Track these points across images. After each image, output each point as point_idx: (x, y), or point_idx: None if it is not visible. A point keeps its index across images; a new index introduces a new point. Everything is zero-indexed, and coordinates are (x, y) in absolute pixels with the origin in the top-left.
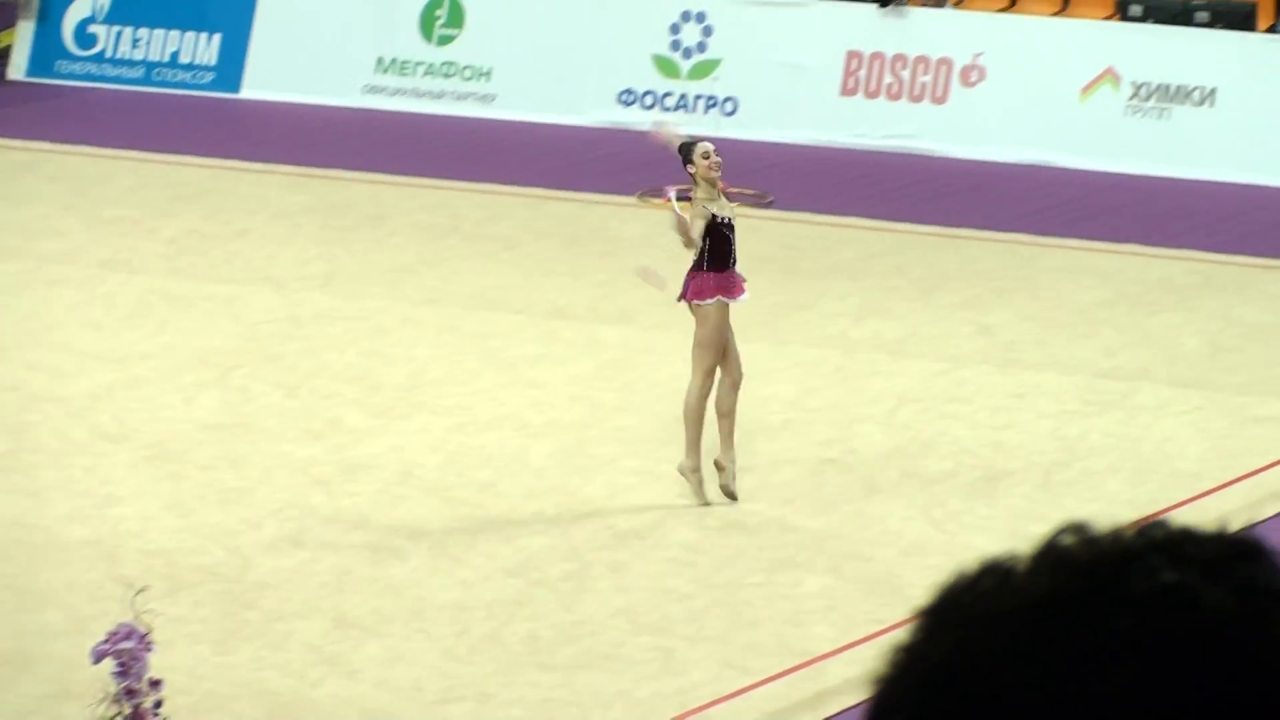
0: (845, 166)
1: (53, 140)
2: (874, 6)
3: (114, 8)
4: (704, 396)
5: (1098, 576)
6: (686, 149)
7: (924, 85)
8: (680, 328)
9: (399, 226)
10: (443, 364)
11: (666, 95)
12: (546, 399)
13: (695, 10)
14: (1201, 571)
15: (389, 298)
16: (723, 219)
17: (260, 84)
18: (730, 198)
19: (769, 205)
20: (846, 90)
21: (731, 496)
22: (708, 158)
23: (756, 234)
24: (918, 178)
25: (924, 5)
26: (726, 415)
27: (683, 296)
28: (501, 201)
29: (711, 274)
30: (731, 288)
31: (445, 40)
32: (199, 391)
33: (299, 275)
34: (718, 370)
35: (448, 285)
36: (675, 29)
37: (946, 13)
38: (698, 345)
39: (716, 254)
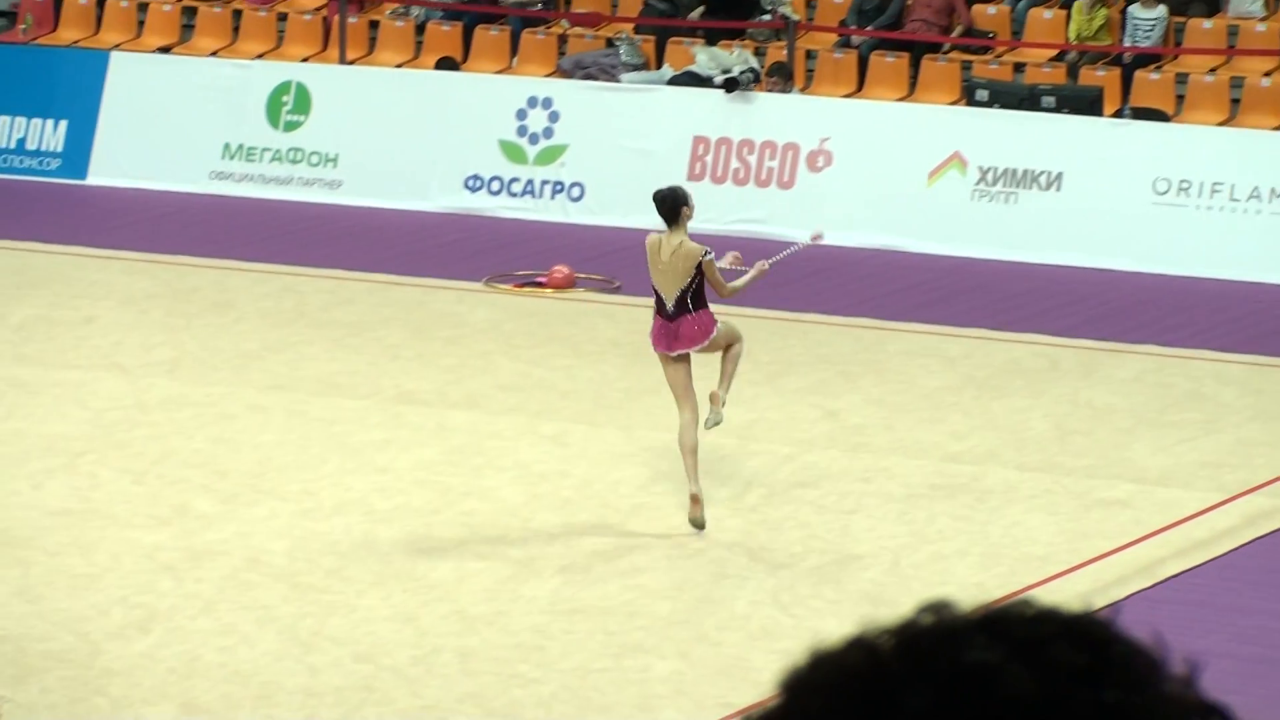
0: None
1: None
2: (720, 92)
3: None
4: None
5: (915, 653)
6: (685, 196)
7: (771, 170)
8: (526, 411)
9: (245, 312)
10: (289, 449)
11: (513, 181)
12: (393, 484)
13: (542, 96)
14: (1012, 651)
15: (235, 384)
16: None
17: (107, 171)
18: (578, 285)
19: (616, 290)
20: (694, 175)
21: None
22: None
23: (606, 319)
24: None
25: (770, 90)
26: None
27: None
28: (348, 287)
29: (657, 323)
30: (670, 342)
31: (292, 126)
32: (47, 478)
33: (146, 361)
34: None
35: (294, 371)
36: (522, 114)
37: (793, 98)
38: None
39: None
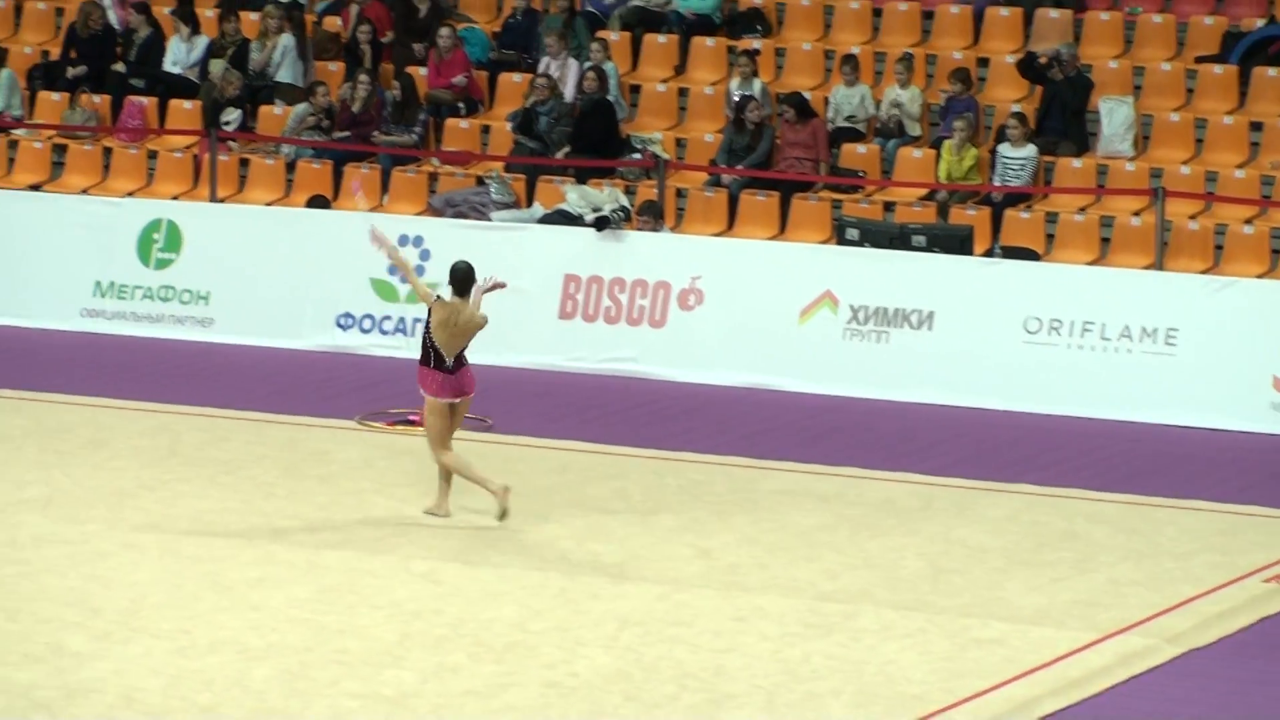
0: (565, 390)
1: None
2: (591, 230)
3: None
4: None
5: None
6: (472, 273)
7: (642, 308)
8: (399, 550)
9: (119, 450)
10: (163, 587)
11: (385, 318)
12: (267, 622)
13: (413, 234)
14: None
15: (109, 521)
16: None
17: None
18: None
19: (489, 429)
20: (565, 313)
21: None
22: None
23: (478, 457)
24: (637, 401)
25: (641, 229)
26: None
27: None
28: (221, 425)
29: (436, 376)
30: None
31: (163, 264)
32: None
33: (18, 499)
34: None
35: (168, 509)
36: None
37: (664, 236)
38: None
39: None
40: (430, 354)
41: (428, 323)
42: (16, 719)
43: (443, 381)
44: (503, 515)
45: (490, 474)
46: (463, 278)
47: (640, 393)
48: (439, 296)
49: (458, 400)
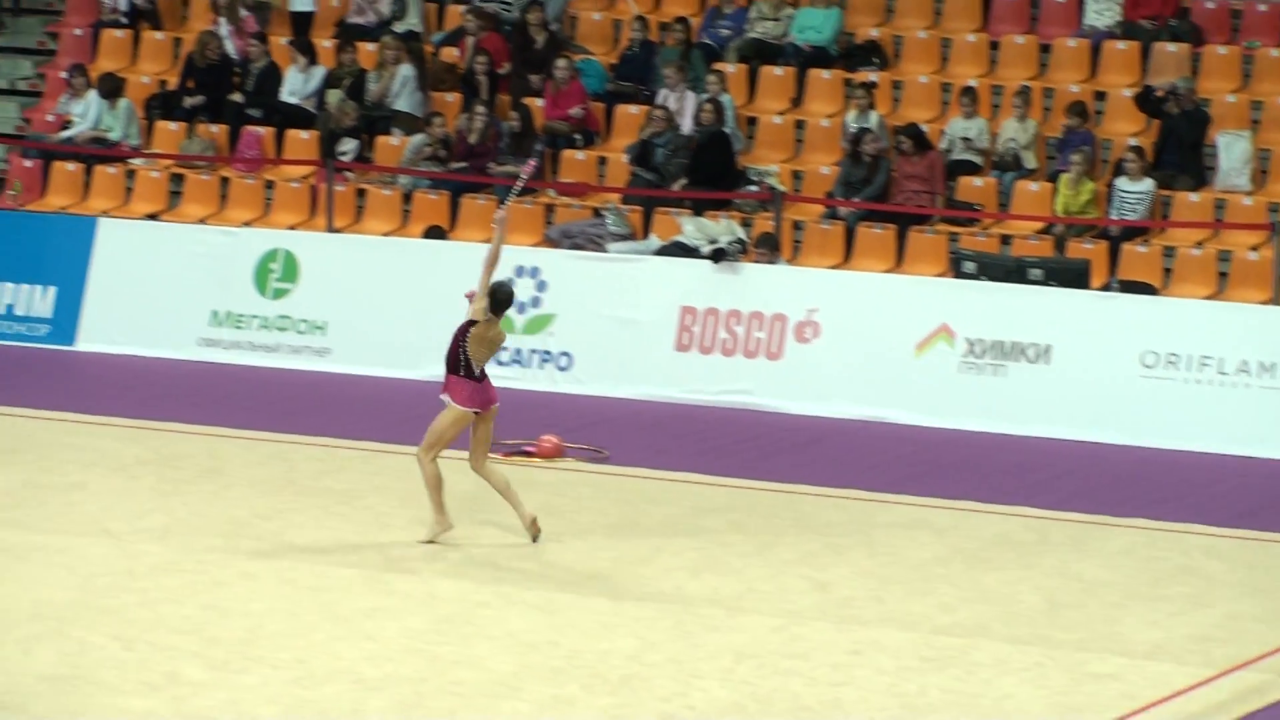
0: (680, 422)
1: None
2: (707, 262)
3: None
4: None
5: None
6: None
7: (758, 341)
8: (515, 580)
9: (235, 479)
10: (280, 617)
11: (502, 350)
12: (382, 652)
13: (529, 265)
14: None
15: (226, 550)
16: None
17: (96, 337)
18: (567, 454)
19: (604, 460)
20: (681, 345)
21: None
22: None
23: (593, 489)
24: (753, 433)
25: (757, 261)
26: (507, 492)
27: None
28: (338, 455)
29: (465, 386)
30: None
31: (280, 293)
32: (35, 643)
33: (136, 527)
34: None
35: (284, 538)
36: (510, 283)
37: (780, 269)
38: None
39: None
40: (461, 364)
41: (466, 334)
42: None
43: (472, 391)
44: (429, 541)
45: (448, 511)
46: (505, 302)
47: (756, 425)
48: (490, 314)
49: (485, 411)
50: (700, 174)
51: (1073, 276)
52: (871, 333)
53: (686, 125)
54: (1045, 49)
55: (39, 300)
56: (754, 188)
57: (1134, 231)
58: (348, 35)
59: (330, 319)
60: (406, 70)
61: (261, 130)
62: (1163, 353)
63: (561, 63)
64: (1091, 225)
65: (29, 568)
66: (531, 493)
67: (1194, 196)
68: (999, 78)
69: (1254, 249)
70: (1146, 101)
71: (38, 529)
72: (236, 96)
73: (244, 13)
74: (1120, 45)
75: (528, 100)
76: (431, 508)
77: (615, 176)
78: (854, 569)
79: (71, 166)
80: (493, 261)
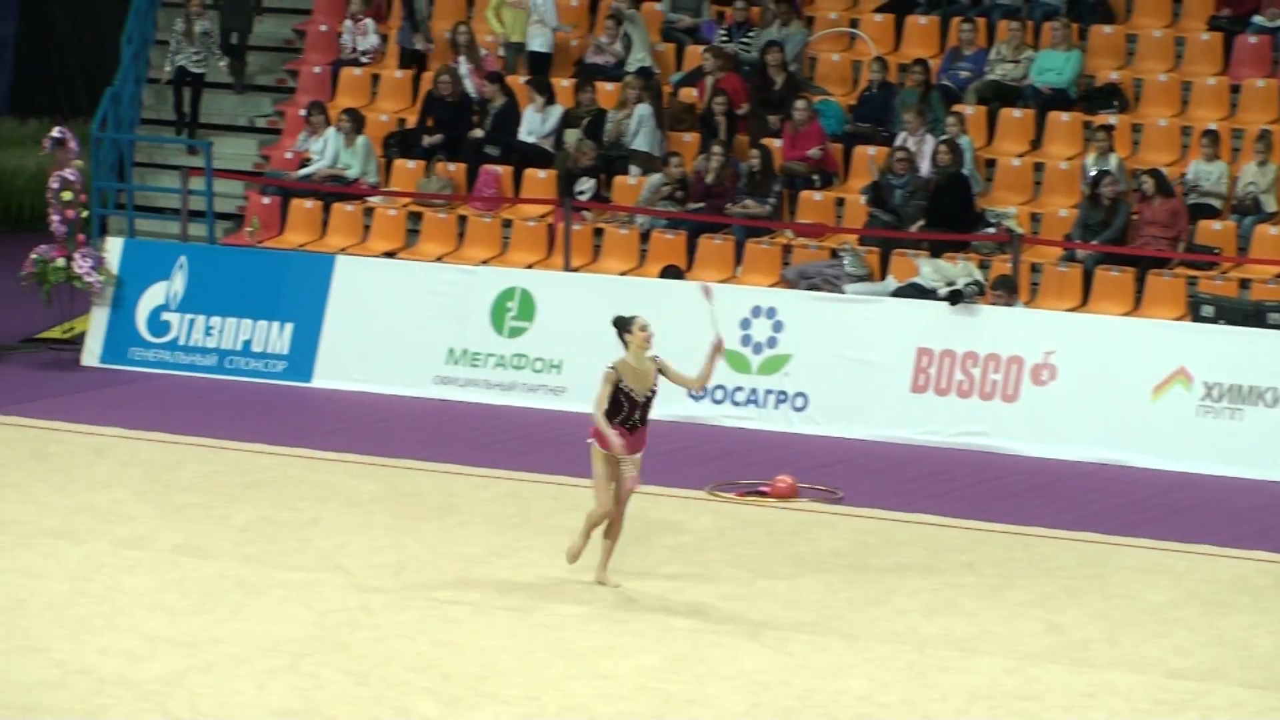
0: (915, 463)
1: (125, 426)
2: (944, 304)
3: (187, 296)
4: (599, 515)
5: None
6: (624, 321)
7: (995, 383)
8: (748, 620)
9: (469, 517)
10: (512, 654)
11: (737, 390)
12: (615, 691)
13: (766, 305)
14: None
15: (459, 588)
16: (628, 390)
17: (332, 373)
18: (801, 494)
19: (839, 501)
20: (917, 387)
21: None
22: (644, 329)
23: (828, 529)
24: (988, 475)
25: (995, 303)
26: (611, 532)
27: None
28: (571, 493)
29: (615, 427)
30: (628, 447)
31: (516, 332)
32: (270, 678)
33: (369, 564)
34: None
35: (517, 576)
36: (746, 324)
37: (1017, 311)
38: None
39: (615, 413)
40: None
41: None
42: None
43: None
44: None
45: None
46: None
47: (991, 467)
48: (611, 367)
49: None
50: (938, 215)
51: None
52: (1108, 375)
53: (925, 167)
54: None
55: (276, 337)
56: (992, 230)
57: None
58: (586, 75)
59: (566, 358)
60: (645, 109)
61: (499, 169)
62: None
63: (800, 103)
64: None
65: (264, 603)
66: (765, 532)
67: None
68: (1239, 121)
69: None
70: None
71: (273, 564)
72: (475, 134)
73: (484, 51)
74: None
75: (766, 141)
76: (579, 540)
77: (853, 218)
78: (1089, 612)
79: (309, 204)
80: (704, 379)
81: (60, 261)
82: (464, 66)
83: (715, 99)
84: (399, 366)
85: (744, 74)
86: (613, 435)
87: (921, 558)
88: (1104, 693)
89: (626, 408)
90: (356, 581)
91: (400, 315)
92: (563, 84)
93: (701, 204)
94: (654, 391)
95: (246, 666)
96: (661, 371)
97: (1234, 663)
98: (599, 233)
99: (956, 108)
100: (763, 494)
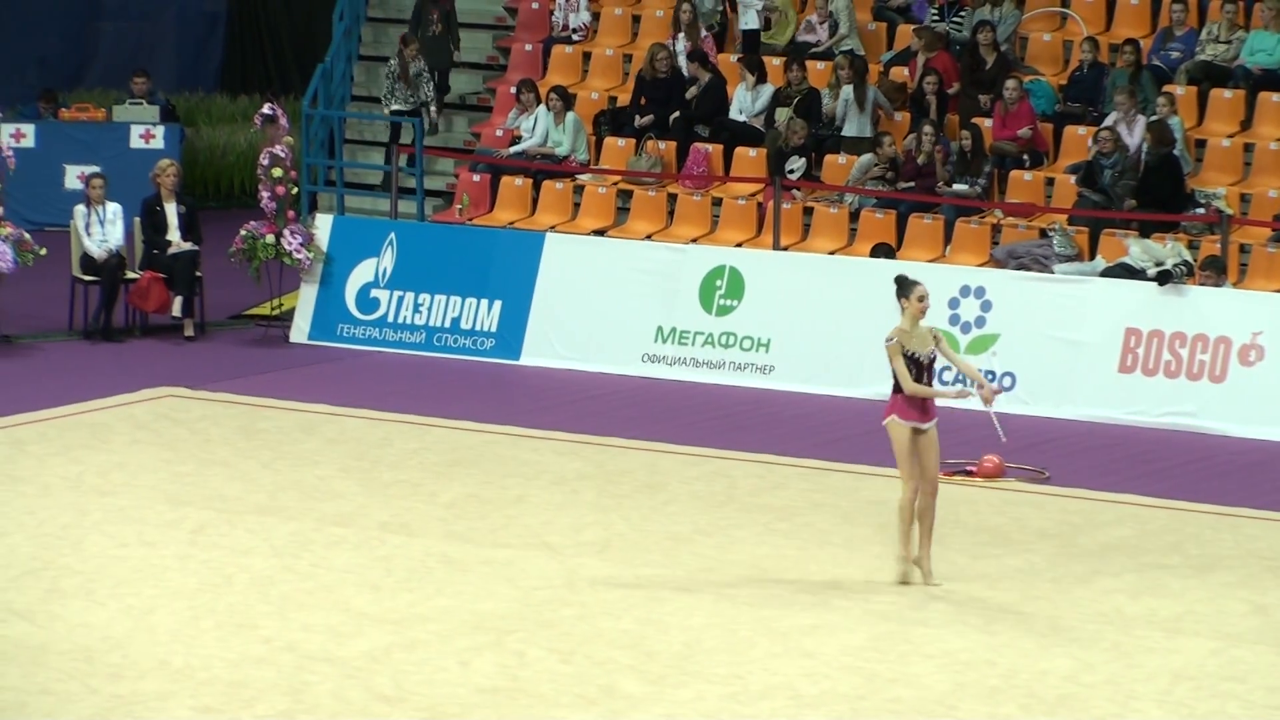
0: (1122, 443)
1: (333, 403)
2: (1153, 284)
3: (396, 274)
4: (907, 501)
5: None
6: (905, 284)
7: (1202, 363)
8: (953, 600)
9: (675, 495)
10: (718, 633)
11: (945, 369)
12: (820, 669)
13: (975, 285)
14: None
15: (665, 565)
16: (912, 353)
17: (540, 351)
18: (1007, 474)
19: (1045, 480)
20: (1125, 367)
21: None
22: (923, 300)
23: (1034, 508)
24: (1195, 456)
25: (1203, 284)
26: (923, 518)
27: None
28: (778, 472)
29: (899, 397)
30: (921, 414)
31: (725, 310)
32: (475, 655)
33: (575, 541)
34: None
35: (723, 554)
36: (954, 303)
37: (1225, 291)
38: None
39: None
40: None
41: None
42: None
43: (907, 403)
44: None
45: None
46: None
47: (1199, 448)
48: (891, 338)
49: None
50: (1148, 196)
51: None
52: None
53: (1134, 146)
54: None
55: (485, 314)
56: (1201, 210)
57: None
58: (797, 53)
59: (774, 336)
60: (848, 92)
61: (709, 147)
62: None
63: (1011, 83)
64: None
65: (471, 579)
66: (971, 512)
67: None
68: None
69: None
70: None
71: (480, 542)
72: (676, 115)
73: (704, 33)
74: None
75: (976, 120)
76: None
77: (1062, 197)
78: None
79: (519, 181)
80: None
81: (269, 238)
82: (681, 43)
83: (926, 78)
84: (607, 344)
85: (955, 53)
86: (939, 389)
87: (1127, 538)
88: None
89: (914, 372)
90: (562, 559)
91: (609, 293)
92: (774, 62)
93: (912, 183)
94: (934, 356)
95: (451, 644)
96: (937, 341)
97: None
98: (808, 212)
99: (1167, 88)
100: (969, 473)
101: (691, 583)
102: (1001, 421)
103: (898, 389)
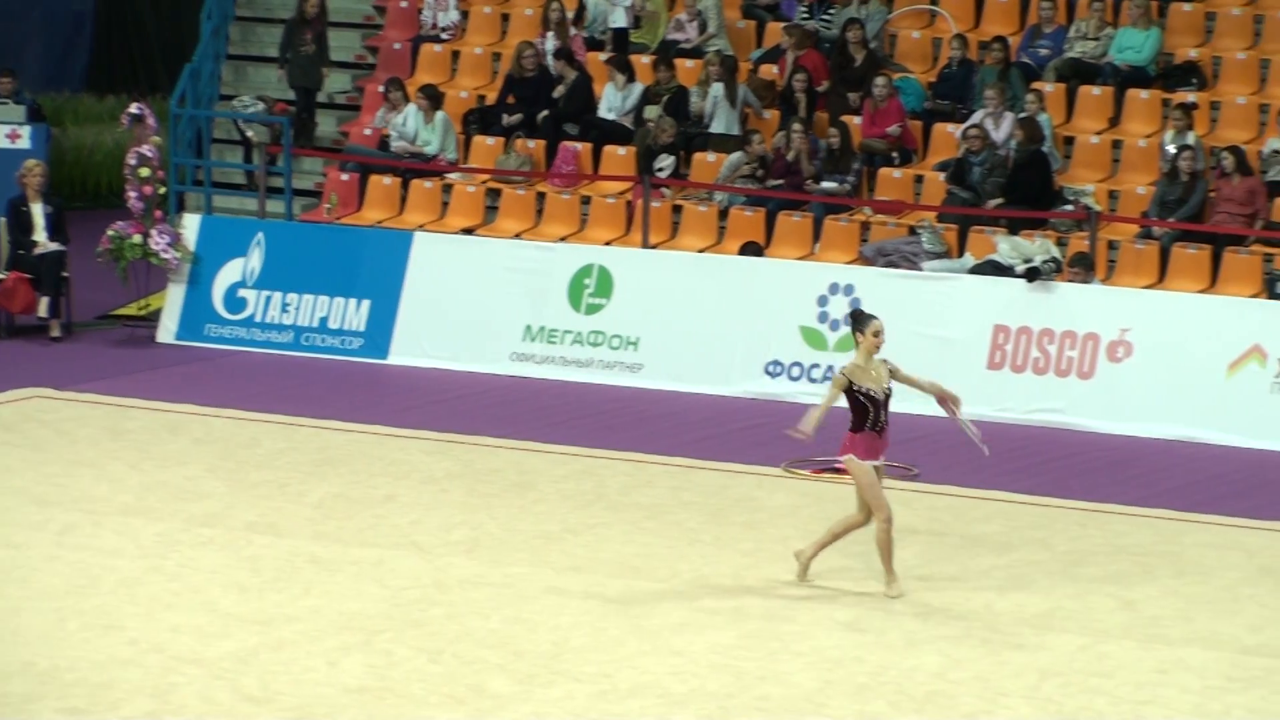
0: (991, 440)
1: (200, 403)
2: (1022, 281)
3: (264, 273)
4: (886, 529)
5: None
6: (861, 319)
7: (1071, 360)
8: (822, 597)
9: (544, 494)
10: (586, 631)
11: (814, 366)
12: (688, 667)
13: (844, 282)
14: None
15: (533, 564)
16: (867, 390)
17: (408, 351)
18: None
19: (914, 477)
20: (993, 364)
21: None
22: (878, 335)
23: (904, 505)
24: (1064, 452)
25: (1072, 280)
26: (882, 548)
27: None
28: (647, 470)
29: (858, 437)
30: (877, 453)
31: (593, 309)
32: (343, 655)
33: (444, 541)
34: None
35: (592, 553)
36: (823, 301)
37: (1094, 288)
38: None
39: (858, 418)
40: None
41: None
42: None
43: (865, 445)
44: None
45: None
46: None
47: (1067, 444)
48: (840, 372)
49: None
50: (1016, 193)
51: None
52: (1184, 353)
53: (1003, 144)
54: None
55: (353, 314)
56: (1070, 207)
57: None
58: (666, 52)
59: (643, 335)
60: (718, 90)
61: (579, 146)
62: None
63: (880, 81)
64: None
65: (339, 579)
66: (840, 509)
67: None
68: None
69: None
70: None
71: (348, 541)
72: (544, 113)
73: (572, 31)
74: None
75: (846, 118)
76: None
77: (931, 194)
78: (1162, 589)
79: (388, 180)
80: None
81: (137, 238)
82: (550, 42)
83: (795, 76)
84: (476, 343)
85: (824, 51)
86: (815, 421)
87: (996, 535)
88: (1176, 669)
89: (871, 410)
90: (431, 558)
91: (477, 292)
92: (643, 60)
93: (781, 181)
94: (890, 390)
95: (319, 644)
96: (893, 374)
97: None
98: (678, 210)
99: (1036, 85)
100: (838, 471)
101: (560, 582)
102: (974, 429)
103: (854, 427)
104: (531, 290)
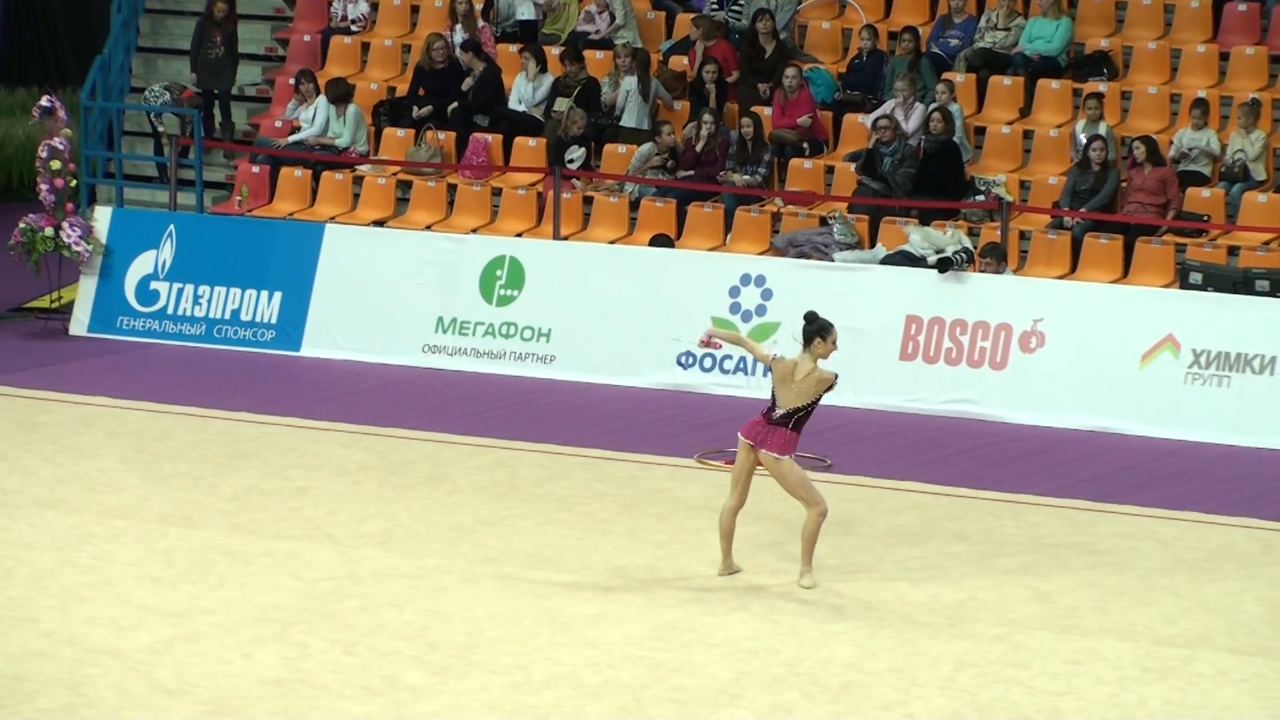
0: (904, 430)
1: (113, 395)
2: (933, 272)
3: (175, 265)
4: (818, 517)
5: None
6: (828, 329)
7: (983, 350)
8: (737, 588)
9: (457, 485)
10: (500, 623)
11: (726, 357)
12: (603, 659)
13: (755, 273)
14: None
15: (447, 556)
16: (772, 388)
17: (320, 343)
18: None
19: (828, 468)
20: (906, 355)
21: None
22: (835, 346)
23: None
24: (977, 443)
25: (984, 271)
26: (807, 538)
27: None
28: (560, 462)
29: (794, 435)
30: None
31: (505, 301)
32: (258, 647)
33: (358, 532)
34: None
35: (506, 544)
36: (735, 292)
37: (1006, 279)
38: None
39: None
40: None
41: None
42: None
43: (755, 423)
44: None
45: (731, 557)
46: (805, 333)
47: (980, 434)
48: (776, 356)
49: (752, 444)
50: (928, 183)
51: None
52: (1096, 343)
53: (914, 134)
54: (1276, 60)
55: (265, 306)
56: (981, 197)
57: None
58: (575, 44)
59: (555, 326)
60: (630, 83)
61: (489, 137)
62: None
63: (790, 71)
64: None
65: (253, 571)
66: (753, 500)
67: None
68: (1228, 89)
69: None
70: None
71: (262, 533)
72: (454, 105)
73: (481, 23)
74: None
75: (756, 109)
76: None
77: (842, 185)
78: (1076, 579)
79: (299, 173)
80: (741, 343)
81: (48, 230)
82: (459, 35)
83: (705, 67)
84: (388, 335)
85: (734, 42)
86: (726, 335)
87: (910, 525)
88: (1091, 660)
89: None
90: (345, 550)
91: (389, 284)
92: (554, 52)
93: (691, 172)
94: (801, 409)
95: (234, 636)
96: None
97: (1221, 629)
98: (589, 201)
99: (946, 75)
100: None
101: (474, 573)
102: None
103: (796, 427)
104: (443, 282)
